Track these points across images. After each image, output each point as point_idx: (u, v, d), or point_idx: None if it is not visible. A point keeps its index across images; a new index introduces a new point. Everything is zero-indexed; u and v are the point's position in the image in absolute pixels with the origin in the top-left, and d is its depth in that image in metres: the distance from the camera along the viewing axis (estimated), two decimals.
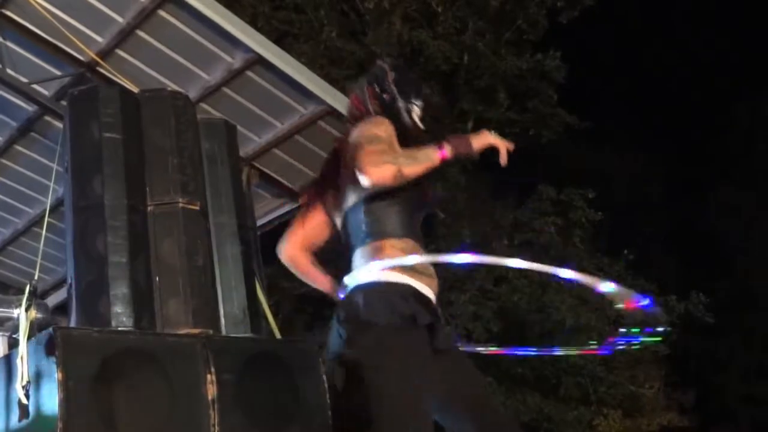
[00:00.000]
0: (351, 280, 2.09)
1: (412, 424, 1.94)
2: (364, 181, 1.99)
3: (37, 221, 5.35)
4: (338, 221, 2.34)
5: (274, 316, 4.76)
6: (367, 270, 2.04)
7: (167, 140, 4.07)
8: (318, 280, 2.56)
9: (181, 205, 4.04)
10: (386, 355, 1.94)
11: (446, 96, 12.97)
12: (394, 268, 2.02)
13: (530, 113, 14.09)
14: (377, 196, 2.11)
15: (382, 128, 2.17)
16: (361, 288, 2.03)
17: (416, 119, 2.35)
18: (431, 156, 2.08)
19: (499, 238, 12.94)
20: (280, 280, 9.28)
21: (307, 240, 2.54)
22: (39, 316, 3.76)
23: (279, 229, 4.38)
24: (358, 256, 2.09)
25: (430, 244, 9.76)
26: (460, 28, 12.82)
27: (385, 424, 1.94)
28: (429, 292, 2.07)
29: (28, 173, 5.47)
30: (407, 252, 2.06)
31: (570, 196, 13.27)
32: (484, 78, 12.78)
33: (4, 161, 5.42)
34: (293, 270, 2.58)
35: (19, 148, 5.30)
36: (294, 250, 2.40)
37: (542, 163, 14.72)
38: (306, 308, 13.26)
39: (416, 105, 2.40)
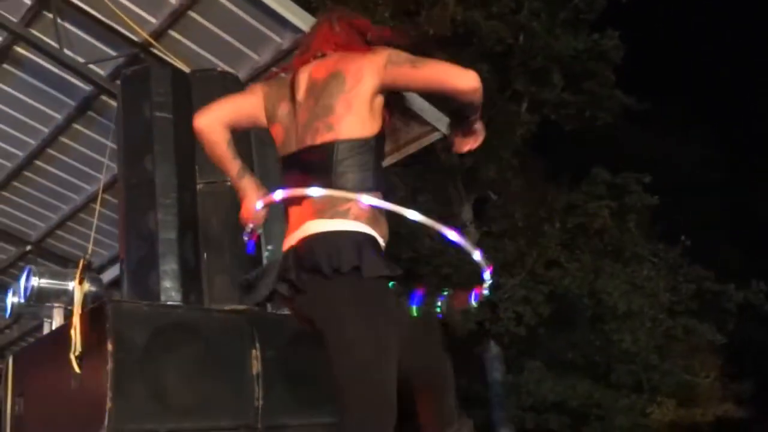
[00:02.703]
0: (314, 226, 1.89)
1: (376, 375, 1.82)
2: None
3: (95, 198, 5.50)
4: (293, 141, 2.02)
5: None
6: (334, 219, 1.88)
7: None
8: (230, 164, 2.17)
9: (229, 183, 4.11)
10: (350, 306, 1.83)
11: (499, 77, 12.81)
12: (358, 217, 1.88)
13: (586, 95, 13.79)
14: (375, 143, 1.93)
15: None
16: (326, 235, 1.87)
17: None
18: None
19: (551, 221, 12.77)
20: None
21: (234, 123, 2.16)
22: (93, 289, 3.90)
23: None
24: (320, 202, 1.90)
25: (482, 226, 9.64)
26: (514, 8, 12.61)
27: (348, 376, 1.84)
28: (383, 244, 1.98)
29: (86, 151, 5.63)
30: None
31: (625, 180, 12.98)
32: (538, 59, 12.55)
33: (63, 139, 5.60)
34: (205, 141, 2.17)
35: (78, 126, 5.46)
36: (216, 122, 2.12)
37: (597, 146, 14.45)
38: None
39: None
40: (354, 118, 1.94)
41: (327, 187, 1.89)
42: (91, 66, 4.68)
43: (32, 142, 5.68)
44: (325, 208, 1.91)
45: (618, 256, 13.25)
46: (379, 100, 1.98)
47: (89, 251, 3.89)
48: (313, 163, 1.95)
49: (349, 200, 1.89)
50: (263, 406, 3.54)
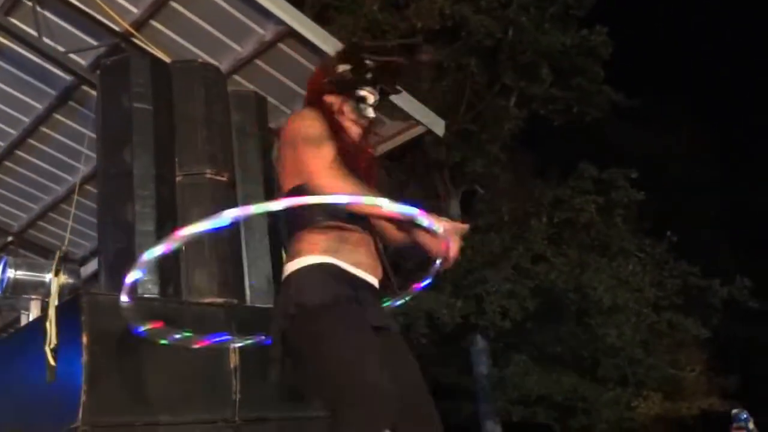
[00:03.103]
0: (284, 270, 2.11)
1: (358, 374, 1.84)
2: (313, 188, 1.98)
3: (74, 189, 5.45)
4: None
5: None
6: (294, 258, 2.06)
7: (197, 111, 4.11)
8: None
9: (208, 176, 4.09)
10: (324, 331, 1.92)
11: (488, 71, 12.79)
12: (310, 252, 2.03)
13: (575, 90, 13.81)
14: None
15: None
16: (289, 275, 2.05)
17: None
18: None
19: (538, 216, 12.78)
20: None
21: None
22: (70, 281, 3.86)
23: None
24: (289, 245, 2.14)
25: (470, 221, 9.56)
26: (503, 2, 12.59)
27: (335, 388, 1.89)
28: (355, 270, 2.03)
29: (67, 141, 5.58)
30: (330, 237, 2.04)
31: (612, 176, 13.02)
32: (527, 53, 12.54)
33: (44, 129, 5.54)
34: None
35: (59, 116, 5.41)
36: None
37: (585, 142, 14.49)
38: None
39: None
40: (287, 175, 2.15)
41: (288, 237, 2.15)
42: (72, 55, 4.63)
43: (13, 132, 5.62)
44: (287, 256, 2.14)
45: (604, 251, 13.30)
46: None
47: (66, 243, 3.84)
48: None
49: (300, 241, 2.08)
50: (241, 400, 3.52)
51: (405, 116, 5.13)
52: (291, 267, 2.06)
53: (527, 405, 13.18)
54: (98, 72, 4.06)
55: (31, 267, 3.74)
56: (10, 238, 6.79)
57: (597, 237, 13.46)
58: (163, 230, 3.74)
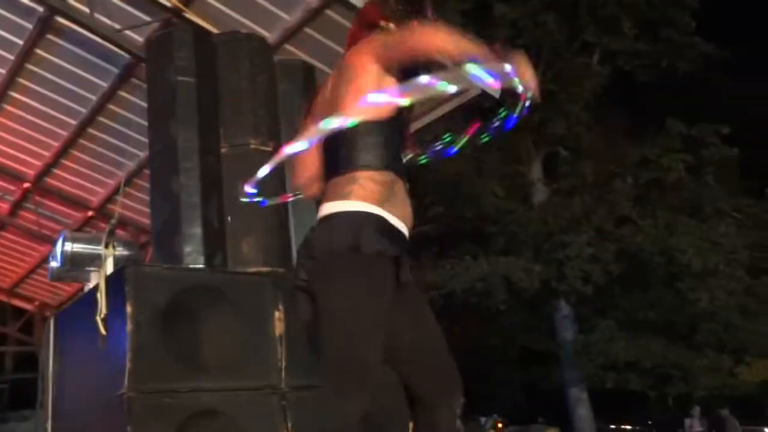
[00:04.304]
0: (322, 211, 1.99)
1: (361, 349, 1.86)
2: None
3: (147, 163, 5.62)
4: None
5: None
6: (343, 198, 1.96)
7: (241, 83, 4.14)
8: None
9: (253, 146, 4.12)
10: (342, 279, 1.87)
11: (567, 27, 12.31)
12: (363, 198, 1.94)
13: (663, 43, 13.15)
14: (385, 124, 1.98)
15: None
16: (333, 214, 1.95)
17: None
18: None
19: (623, 176, 12.32)
20: None
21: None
22: (126, 253, 4.01)
23: None
24: (330, 186, 2.00)
25: (551, 183, 9.41)
26: None
27: (335, 347, 1.90)
28: (399, 224, 1.96)
29: (134, 117, 5.75)
30: (385, 186, 1.95)
31: (702, 132, 12.38)
32: (608, 6, 11.98)
33: (111, 107, 5.73)
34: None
35: (123, 93, 5.58)
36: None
37: (674, 97, 13.82)
38: (431, 247, 13.29)
39: None
40: (360, 104, 2.00)
41: (334, 172, 2.02)
42: (128, 32, 4.73)
43: (83, 110, 5.84)
44: (331, 192, 2.00)
45: (696, 213, 12.72)
46: (389, 80, 2.02)
47: (116, 216, 3.96)
48: (329, 151, 2.08)
49: (352, 182, 1.96)
50: (287, 367, 3.56)
51: None
52: (337, 207, 1.96)
53: (619, 372, 12.84)
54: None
55: (87, 241, 3.88)
56: (90, 213, 7.11)
57: (688, 198, 12.88)
58: (208, 201, 3.82)
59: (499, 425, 15.59)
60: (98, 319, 3.39)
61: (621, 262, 11.53)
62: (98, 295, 3.43)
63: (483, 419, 14.11)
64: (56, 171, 6.74)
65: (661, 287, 12.27)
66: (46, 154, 6.49)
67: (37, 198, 7.06)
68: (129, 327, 3.21)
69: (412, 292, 2.03)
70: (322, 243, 1.93)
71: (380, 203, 1.94)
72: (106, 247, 3.58)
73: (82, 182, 6.83)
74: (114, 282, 3.37)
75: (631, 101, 14.79)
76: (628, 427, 13.98)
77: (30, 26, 5.04)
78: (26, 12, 4.92)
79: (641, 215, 12.02)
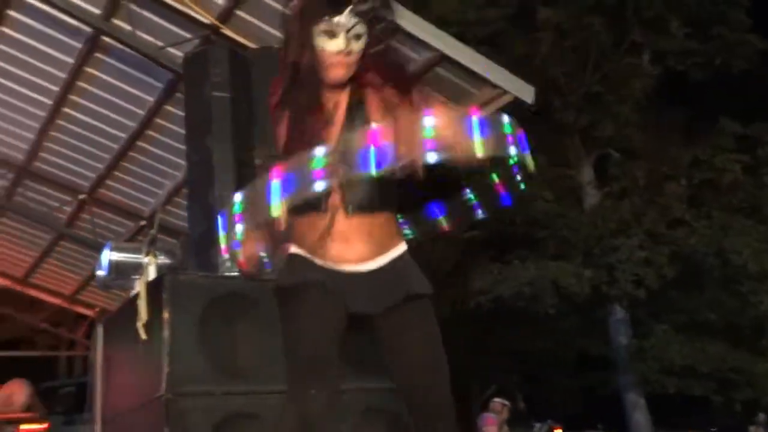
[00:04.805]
0: None
1: (297, 361, 2.11)
2: None
3: None
4: None
5: None
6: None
7: None
8: None
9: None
10: (284, 312, 2.13)
11: (614, 29, 12.17)
12: (293, 240, 2.07)
13: (715, 40, 12.86)
14: None
15: None
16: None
17: None
18: None
19: (675, 178, 12.09)
20: None
21: None
22: (167, 261, 4.19)
23: None
24: None
25: (603, 186, 9.24)
26: None
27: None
28: (316, 259, 1.98)
29: (180, 130, 5.97)
30: (302, 225, 2.03)
31: (757, 131, 12.06)
32: (654, 6, 11.80)
33: (158, 120, 5.98)
34: None
35: (169, 108, 5.81)
36: None
37: (729, 97, 13.46)
38: (481, 253, 13.25)
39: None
40: None
41: None
42: (170, 49, 4.94)
43: (131, 124, 6.10)
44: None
45: (753, 213, 12.37)
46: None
47: (156, 226, 4.14)
48: None
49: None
50: None
51: (492, 85, 5.05)
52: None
53: (677, 376, 12.54)
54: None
55: (130, 250, 4.08)
56: (142, 223, 7.38)
57: (744, 198, 12.54)
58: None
59: (556, 431, 15.42)
60: (139, 325, 3.58)
61: (675, 265, 11.31)
62: (139, 302, 3.62)
63: (537, 425, 13.97)
64: (109, 182, 7.03)
65: (719, 290, 11.97)
66: (100, 166, 6.79)
67: (93, 209, 7.37)
68: (166, 333, 3.38)
69: (391, 322, 2.02)
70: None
71: (297, 243, 2.04)
72: (147, 255, 3.75)
73: (134, 193, 7.10)
74: (153, 289, 3.55)
75: (686, 101, 14.50)
76: None
77: (79, 45, 5.31)
78: (74, 32, 5.18)
79: (695, 217, 11.76)
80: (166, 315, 3.39)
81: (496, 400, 7.36)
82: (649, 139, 13.45)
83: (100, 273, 4.20)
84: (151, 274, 3.93)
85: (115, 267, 4.03)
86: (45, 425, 6.14)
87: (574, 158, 13.64)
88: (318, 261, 2.01)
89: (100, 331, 4.21)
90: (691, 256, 11.28)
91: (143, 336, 3.55)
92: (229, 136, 3.99)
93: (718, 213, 11.98)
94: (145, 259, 3.83)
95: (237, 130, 4.05)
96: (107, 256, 4.05)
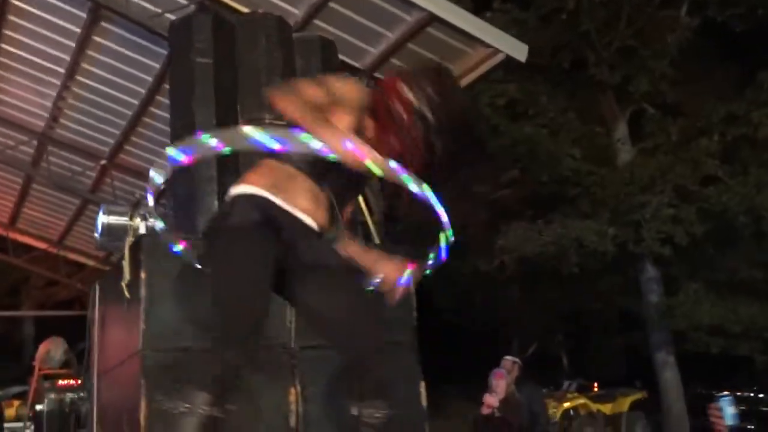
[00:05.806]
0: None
1: (230, 307, 2.08)
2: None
3: None
4: None
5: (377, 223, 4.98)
6: (239, 183, 2.18)
7: (258, 60, 4.36)
8: None
9: (267, 121, 4.34)
10: (214, 249, 2.15)
11: None
12: (254, 182, 2.11)
13: None
14: None
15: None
16: (226, 198, 2.20)
17: None
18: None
19: (709, 134, 11.75)
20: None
21: None
22: (160, 224, 4.34)
23: None
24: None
25: (638, 142, 9.06)
26: None
27: (214, 307, 2.13)
28: (292, 209, 2.07)
29: None
30: (280, 173, 2.09)
31: None
32: None
33: (166, 86, 6.07)
34: None
35: None
36: None
37: (764, 48, 12.96)
38: (524, 211, 13.12)
39: None
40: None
41: None
42: (168, 15, 5.03)
43: (141, 90, 6.25)
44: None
45: None
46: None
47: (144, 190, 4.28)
48: None
49: (254, 168, 2.20)
50: (296, 328, 3.80)
51: (485, 44, 5.03)
52: (231, 191, 2.19)
53: (709, 334, 12.34)
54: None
55: (120, 213, 4.23)
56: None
57: None
58: (223, 177, 4.08)
59: (594, 387, 15.38)
60: (123, 285, 3.75)
61: (706, 223, 11.08)
62: (123, 263, 3.79)
63: (567, 383, 14.01)
64: (127, 147, 7.23)
65: (752, 248, 11.70)
66: (116, 132, 6.99)
67: (114, 173, 7.60)
68: (143, 291, 3.55)
69: (329, 273, 2.12)
70: (208, 222, 2.22)
71: (268, 188, 2.09)
72: (131, 218, 3.90)
73: (150, 156, 7.29)
74: (133, 251, 3.71)
75: (726, 54, 14.03)
76: (726, 392, 13.46)
77: (83, 15, 5.45)
78: (78, 1, 5.32)
79: (730, 174, 11.46)
80: (143, 275, 3.55)
81: (507, 357, 7.43)
82: (686, 94, 13.09)
83: (95, 235, 4.38)
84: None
85: (107, 229, 4.20)
86: (79, 380, 6.46)
87: (608, 114, 13.40)
88: (279, 203, 2.08)
89: (96, 290, 4.41)
90: (721, 214, 11.03)
91: (127, 295, 3.72)
92: (212, 101, 4.09)
93: (754, 169, 11.64)
94: (131, 222, 3.97)
95: (220, 95, 4.14)
96: (101, 218, 4.21)
